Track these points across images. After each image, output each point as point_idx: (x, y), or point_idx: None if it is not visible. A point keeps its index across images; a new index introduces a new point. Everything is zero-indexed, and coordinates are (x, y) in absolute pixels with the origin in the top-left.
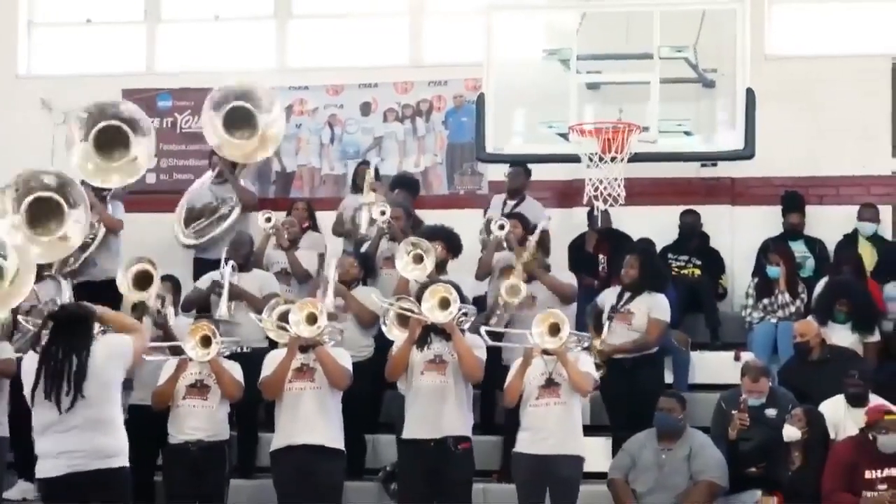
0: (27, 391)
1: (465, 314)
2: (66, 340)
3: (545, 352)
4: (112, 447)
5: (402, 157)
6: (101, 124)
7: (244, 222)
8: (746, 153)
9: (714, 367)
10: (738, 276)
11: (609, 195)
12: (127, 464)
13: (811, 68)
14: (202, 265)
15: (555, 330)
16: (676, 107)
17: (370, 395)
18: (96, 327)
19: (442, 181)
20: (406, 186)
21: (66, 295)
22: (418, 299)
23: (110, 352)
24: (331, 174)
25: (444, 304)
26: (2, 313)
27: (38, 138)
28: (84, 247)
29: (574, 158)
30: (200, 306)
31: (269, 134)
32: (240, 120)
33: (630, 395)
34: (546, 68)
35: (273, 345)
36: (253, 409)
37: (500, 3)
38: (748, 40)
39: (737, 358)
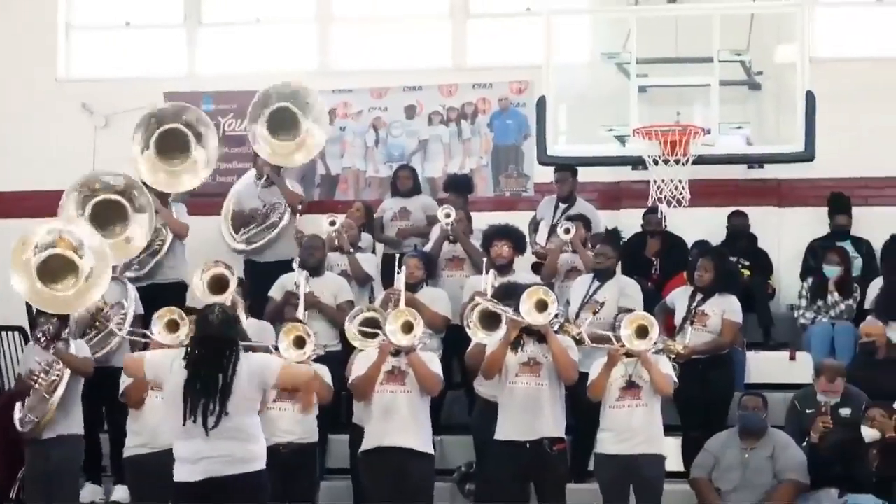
0: (151, 376)
1: (556, 316)
2: (214, 359)
3: (627, 354)
4: (251, 453)
5: (447, 160)
6: (162, 129)
7: (293, 224)
8: (807, 155)
9: (767, 366)
10: (785, 277)
11: (673, 197)
12: (264, 467)
13: (857, 71)
14: (253, 267)
15: (643, 332)
16: (726, 109)
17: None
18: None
19: (487, 183)
20: (458, 188)
21: (132, 297)
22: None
23: (254, 373)
24: (375, 177)
25: (542, 306)
26: (77, 311)
27: (79, 142)
28: (154, 252)
29: (634, 161)
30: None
31: (312, 137)
32: (283, 122)
33: (703, 396)
34: (599, 71)
35: (347, 347)
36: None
37: (557, 7)
38: (807, 43)
39: (792, 358)
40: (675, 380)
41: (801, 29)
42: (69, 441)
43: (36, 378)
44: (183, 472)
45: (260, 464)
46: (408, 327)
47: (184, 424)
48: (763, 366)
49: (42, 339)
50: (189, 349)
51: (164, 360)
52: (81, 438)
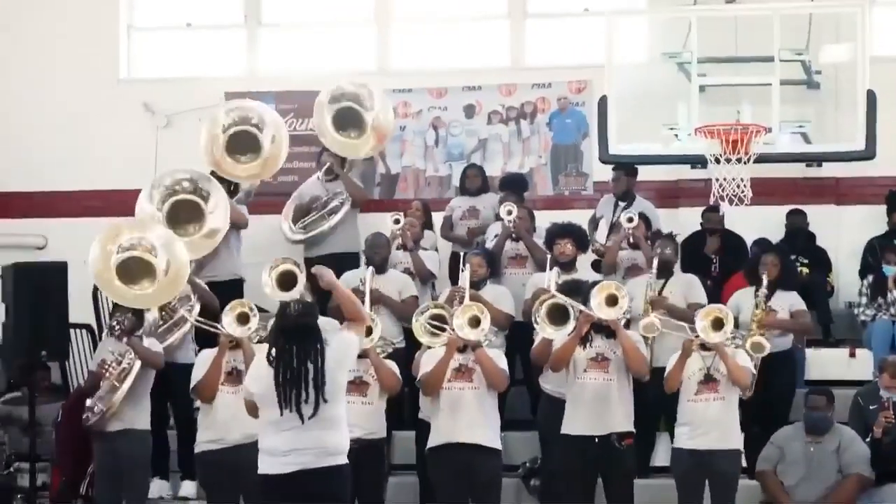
0: (256, 389)
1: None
2: (300, 349)
3: (703, 346)
4: (339, 444)
5: (506, 159)
6: (232, 131)
7: (353, 219)
8: (868, 154)
9: (827, 363)
10: (843, 275)
11: (735, 195)
12: (347, 461)
13: None
14: (312, 262)
15: (718, 324)
16: (784, 108)
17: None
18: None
19: (547, 182)
20: (513, 186)
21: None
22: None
23: (339, 356)
24: (435, 176)
25: (613, 300)
26: (152, 310)
27: (141, 142)
28: None
29: (696, 160)
30: None
31: (378, 127)
32: (349, 120)
33: (765, 392)
34: (656, 70)
35: (411, 344)
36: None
37: (618, 8)
38: (867, 43)
39: (852, 355)
40: (754, 372)
41: (861, 28)
42: (137, 436)
43: (108, 367)
44: (272, 465)
45: (345, 457)
46: (475, 322)
47: (280, 415)
48: (823, 363)
49: (117, 329)
50: (272, 343)
51: (253, 368)
52: (149, 433)
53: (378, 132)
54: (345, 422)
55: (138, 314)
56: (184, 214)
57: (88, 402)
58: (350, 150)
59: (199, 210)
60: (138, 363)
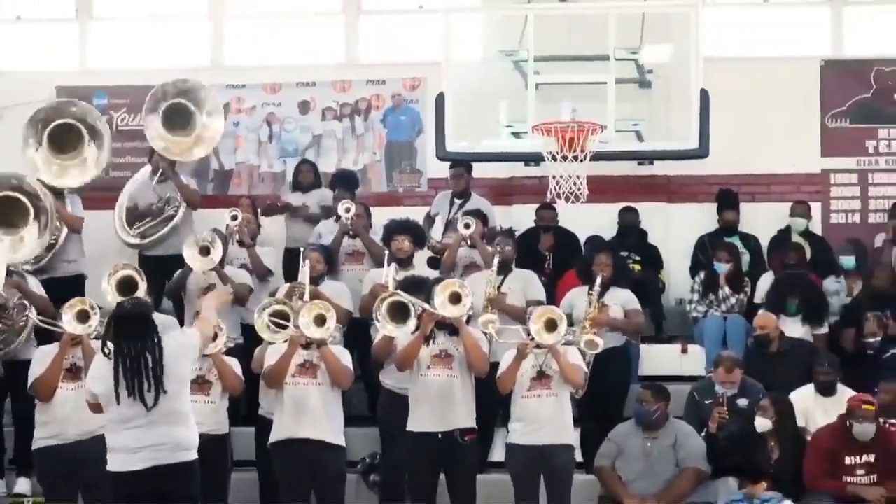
0: (100, 390)
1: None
2: (135, 339)
3: (537, 345)
4: (189, 440)
5: (341, 155)
6: (54, 124)
7: (189, 220)
8: (701, 152)
9: (660, 359)
10: (674, 272)
11: (571, 193)
12: (197, 456)
13: (743, 70)
14: (147, 262)
15: (552, 325)
16: (619, 106)
17: None
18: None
19: (381, 179)
20: (345, 183)
21: (34, 287)
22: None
23: (180, 347)
24: (269, 171)
25: (456, 298)
26: None
27: None
28: (49, 246)
29: (532, 157)
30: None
31: (207, 132)
32: (179, 118)
33: (599, 388)
34: (491, 68)
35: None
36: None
37: (453, 5)
38: (700, 43)
39: (684, 351)
40: (586, 370)
41: (694, 28)
42: None
43: None
44: (123, 461)
45: (195, 453)
46: (321, 320)
47: (118, 403)
48: (656, 358)
49: None
50: (106, 336)
51: (94, 368)
52: None
53: (208, 136)
54: (192, 417)
55: None
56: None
57: None
58: (179, 154)
59: (23, 210)
60: None
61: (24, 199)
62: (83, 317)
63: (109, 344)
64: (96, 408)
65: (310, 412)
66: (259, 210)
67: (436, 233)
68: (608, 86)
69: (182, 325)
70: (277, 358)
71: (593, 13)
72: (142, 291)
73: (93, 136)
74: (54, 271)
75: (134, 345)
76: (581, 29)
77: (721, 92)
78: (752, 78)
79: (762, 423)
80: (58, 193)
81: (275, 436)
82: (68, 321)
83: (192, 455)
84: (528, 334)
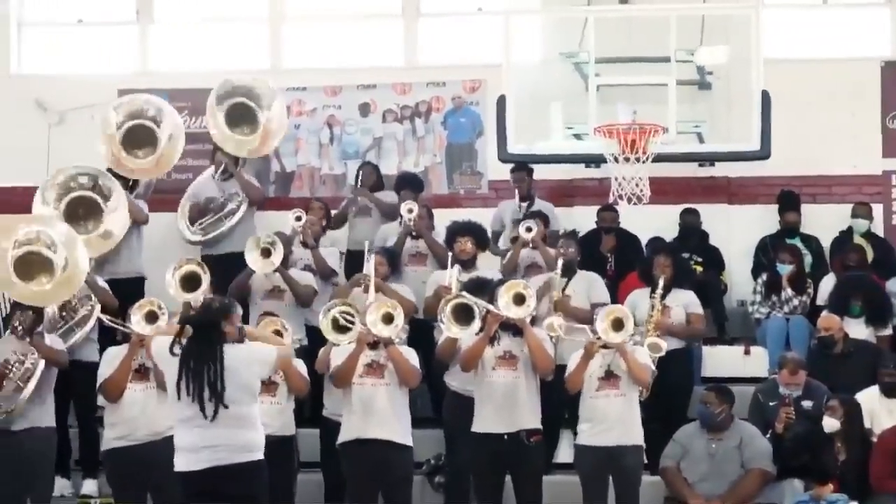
0: (170, 384)
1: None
2: (201, 348)
3: (604, 345)
4: (252, 441)
5: (401, 158)
6: (127, 126)
7: (250, 218)
8: (763, 154)
9: (722, 360)
10: (736, 273)
11: (633, 194)
12: (263, 457)
13: (805, 71)
14: (209, 261)
15: (618, 325)
16: (679, 108)
17: None
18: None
19: (442, 181)
20: (410, 185)
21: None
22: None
23: (252, 357)
24: (330, 174)
25: (520, 299)
26: (51, 306)
27: (34, 138)
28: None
29: (594, 159)
30: None
31: (271, 129)
32: (241, 116)
33: (662, 390)
34: (551, 70)
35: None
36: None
37: (515, 7)
38: (762, 45)
39: (746, 352)
40: (654, 369)
41: (755, 30)
42: (43, 433)
43: (10, 368)
44: (186, 461)
45: (261, 453)
46: (388, 318)
47: (178, 399)
48: (718, 360)
49: (19, 329)
50: (175, 338)
51: (162, 348)
52: (54, 431)
53: (269, 133)
54: (257, 420)
55: (38, 311)
56: (82, 211)
57: None
58: (242, 149)
59: (97, 208)
60: (42, 363)
61: (97, 197)
62: (152, 318)
63: (178, 346)
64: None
65: (377, 412)
66: (332, 214)
67: (503, 244)
68: (669, 87)
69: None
70: (344, 358)
71: (653, 15)
72: (205, 286)
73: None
74: (115, 272)
75: (198, 353)
76: (641, 30)
77: (781, 93)
78: (812, 79)
79: (830, 424)
80: (131, 188)
81: (343, 436)
82: (137, 322)
83: (256, 456)
84: (595, 334)
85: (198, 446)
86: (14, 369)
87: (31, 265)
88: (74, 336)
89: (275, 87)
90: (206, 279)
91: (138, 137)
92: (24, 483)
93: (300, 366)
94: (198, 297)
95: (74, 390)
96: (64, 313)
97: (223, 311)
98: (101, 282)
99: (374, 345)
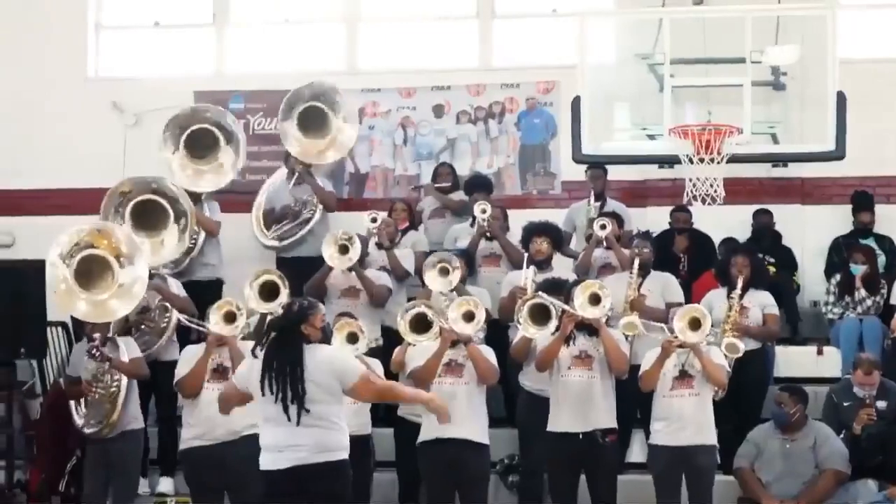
0: (254, 384)
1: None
2: (282, 351)
3: (679, 345)
4: (334, 441)
5: (474, 159)
6: (191, 129)
7: (325, 222)
8: (838, 154)
9: (796, 361)
10: (809, 274)
11: (707, 195)
12: (347, 457)
13: (879, 71)
14: (285, 263)
15: (696, 324)
16: (753, 109)
17: None
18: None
19: (515, 182)
20: (480, 187)
21: (176, 289)
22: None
23: (334, 368)
24: (404, 175)
25: (595, 299)
26: (123, 311)
27: (110, 140)
28: (188, 251)
29: (668, 159)
30: None
31: (342, 135)
32: (314, 121)
33: (737, 389)
34: (625, 71)
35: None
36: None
37: (590, 9)
38: (837, 46)
39: (820, 353)
40: (729, 370)
41: (831, 30)
42: (133, 435)
43: (94, 388)
44: (269, 460)
45: (345, 453)
46: (469, 316)
47: (262, 395)
48: (791, 360)
49: (97, 354)
50: (258, 338)
51: (243, 367)
52: (143, 431)
53: (342, 139)
54: (341, 420)
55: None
56: (148, 218)
57: (78, 415)
58: (314, 156)
59: (164, 214)
60: (125, 380)
61: (163, 202)
62: (230, 318)
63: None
64: (226, 399)
65: (456, 411)
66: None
67: (575, 245)
68: (744, 88)
69: None
70: (426, 358)
71: (727, 16)
72: (284, 296)
73: (228, 139)
74: (193, 275)
75: (279, 356)
76: (714, 31)
77: (854, 93)
78: (885, 79)
79: None
80: (196, 199)
81: (423, 436)
82: (215, 322)
83: (338, 456)
84: (672, 333)
85: (281, 445)
86: (97, 391)
87: (91, 270)
88: (155, 346)
89: (349, 97)
90: (284, 290)
91: (201, 142)
92: (111, 482)
93: (376, 366)
94: (277, 307)
95: (156, 389)
96: (144, 326)
97: (303, 314)
98: (177, 287)
99: (452, 343)
